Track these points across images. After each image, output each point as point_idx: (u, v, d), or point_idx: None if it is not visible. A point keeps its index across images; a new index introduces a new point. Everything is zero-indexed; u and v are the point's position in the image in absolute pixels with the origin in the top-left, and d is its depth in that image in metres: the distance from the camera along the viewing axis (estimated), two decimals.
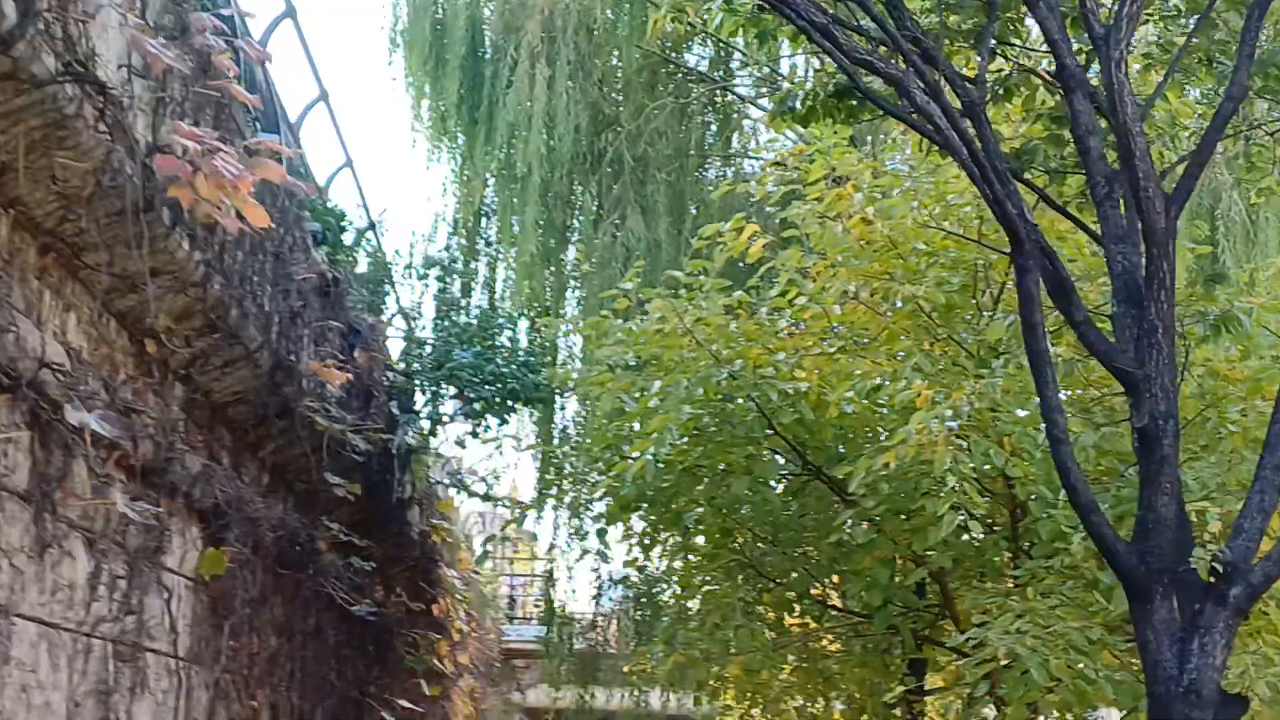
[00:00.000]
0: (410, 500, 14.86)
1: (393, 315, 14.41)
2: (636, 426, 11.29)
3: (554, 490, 12.83)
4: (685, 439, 11.08)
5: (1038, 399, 6.26)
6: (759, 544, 12.43)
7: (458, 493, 15.97)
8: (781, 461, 11.72)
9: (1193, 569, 5.89)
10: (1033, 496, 10.41)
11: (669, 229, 16.11)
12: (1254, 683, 8.64)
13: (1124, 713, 10.35)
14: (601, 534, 12.32)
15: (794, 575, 12.43)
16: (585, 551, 13.54)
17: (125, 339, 7.47)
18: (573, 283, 17.53)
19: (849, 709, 13.64)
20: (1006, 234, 6.64)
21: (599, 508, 12.35)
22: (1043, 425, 10.23)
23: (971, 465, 9.59)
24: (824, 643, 14.05)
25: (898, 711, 13.40)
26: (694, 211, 16.56)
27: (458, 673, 17.99)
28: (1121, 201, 6.53)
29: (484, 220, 18.24)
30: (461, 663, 17.76)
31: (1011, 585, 10.83)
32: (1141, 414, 5.87)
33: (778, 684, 13.86)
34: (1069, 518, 10.22)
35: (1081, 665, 9.41)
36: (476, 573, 21.29)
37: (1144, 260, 6.19)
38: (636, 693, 22.31)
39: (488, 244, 18.11)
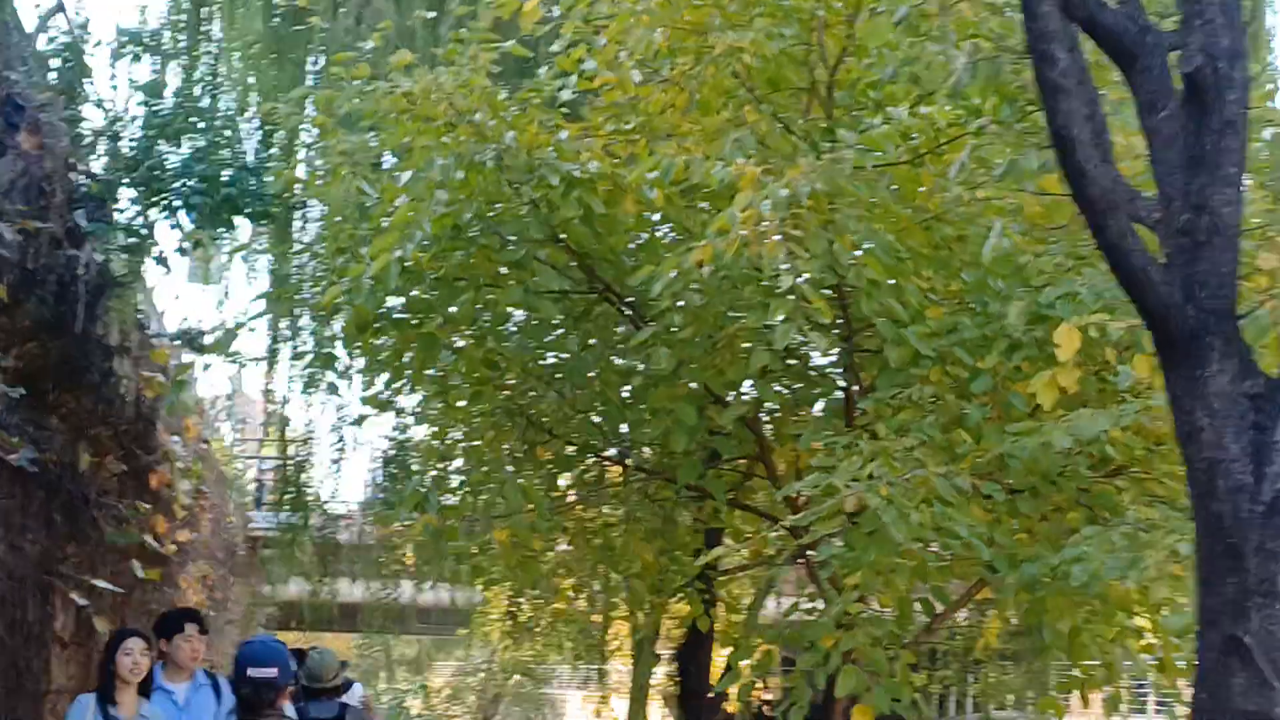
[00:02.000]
0: (122, 349, 12.47)
1: (95, 133, 11.67)
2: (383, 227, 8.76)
3: (285, 320, 10.09)
4: (441, 239, 8.59)
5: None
6: (532, 384, 10.02)
7: (186, 348, 13.47)
8: (562, 281, 9.27)
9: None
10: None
11: (424, 20, 13.28)
12: None
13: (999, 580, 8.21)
14: (330, 360, 9.65)
15: (574, 422, 10.07)
16: (315, 378, 10.86)
17: None
18: (311, 85, 14.57)
19: (634, 588, 11.28)
20: None
21: (337, 331, 9.68)
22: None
23: (811, 260, 7.34)
24: (603, 511, 11.78)
25: (691, 590, 11.24)
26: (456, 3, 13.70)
27: (184, 556, 15.51)
28: None
29: (206, 13, 15.17)
30: (182, 541, 15.22)
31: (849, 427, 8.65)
32: (1190, 55, 3.56)
33: (551, 558, 11.49)
34: (925, 338, 8.12)
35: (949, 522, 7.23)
36: (206, 442, 18.70)
37: None
38: (386, 583, 20.07)
39: (210, 40, 15.16)
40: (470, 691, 41.63)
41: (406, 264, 8.25)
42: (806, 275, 7.21)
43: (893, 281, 8.19)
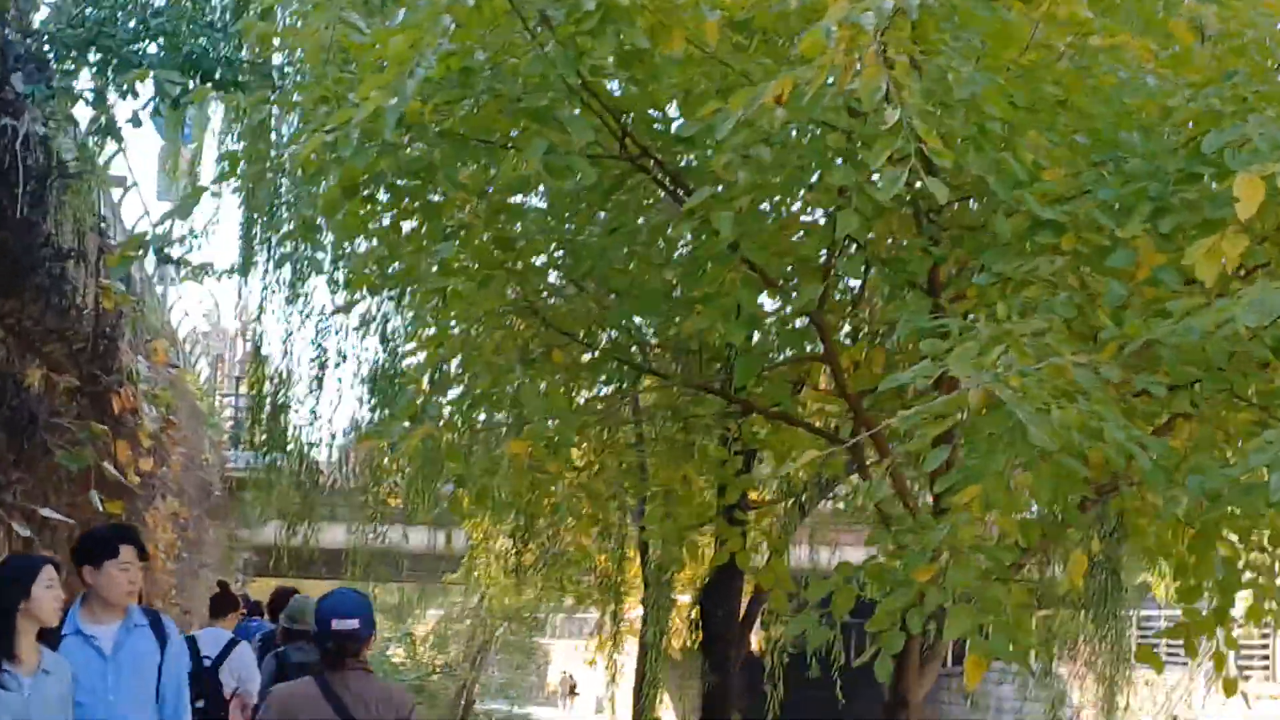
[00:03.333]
0: (77, 253, 11.07)
1: None
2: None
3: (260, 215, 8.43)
4: (446, 85, 6.92)
5: None
6: (550, 271, 8.38)
7: (158, 264, 12.04)
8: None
9: None
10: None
11: None
12: None
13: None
14: (310, 230, 7.91)
15: (604, 316, 8.40)
16: (285, 254, 9.24)
17: None
18: None
19: (676, 515, 9.63)
20: None
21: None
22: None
23: (920, 90, 5.75)
24: (624, 430, 10.23)
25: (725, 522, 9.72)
26: None
27: (150, 490, 14.11)
28: None
29: None
30: (147, 472, 13.81)
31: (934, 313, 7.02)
32: None
33: (568, 480, 9.79)
34: (1048, 202, 6.55)
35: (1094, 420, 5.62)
36: (175, 367, 17.20)
37: None
38: (372, 525, 18.63)
39: None
40: (455, 640, 40.37)
41: (403, 113, 6.59)
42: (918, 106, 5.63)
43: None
